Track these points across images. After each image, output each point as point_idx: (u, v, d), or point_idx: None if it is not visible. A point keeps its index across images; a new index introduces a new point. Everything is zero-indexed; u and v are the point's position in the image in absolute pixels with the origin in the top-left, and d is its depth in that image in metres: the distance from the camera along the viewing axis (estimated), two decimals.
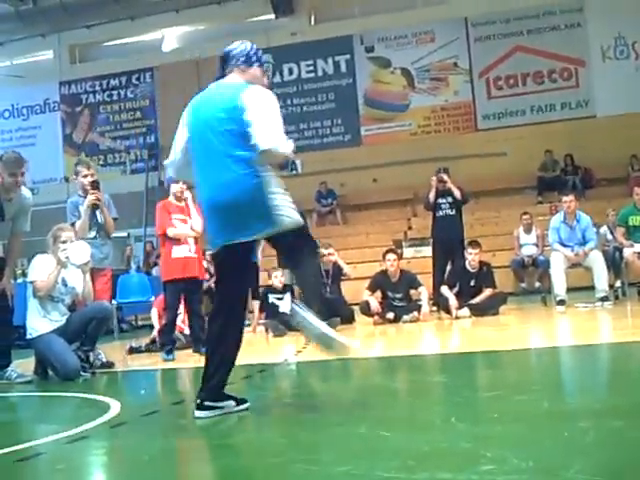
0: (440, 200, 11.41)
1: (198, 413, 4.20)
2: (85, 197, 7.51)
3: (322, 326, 4.16)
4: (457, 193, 11.37)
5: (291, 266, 4.85)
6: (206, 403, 4.21)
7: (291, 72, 20.73)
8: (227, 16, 20.33)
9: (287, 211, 4.28)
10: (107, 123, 21.76)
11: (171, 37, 21.30)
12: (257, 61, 4.62)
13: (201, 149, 4.31)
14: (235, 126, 4.17)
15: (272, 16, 19.97)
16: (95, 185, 7.47)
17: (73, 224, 7.44)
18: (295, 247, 4.30)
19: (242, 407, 4.32)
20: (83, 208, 7.44)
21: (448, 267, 11.09)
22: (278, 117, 4.22)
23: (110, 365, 7.24)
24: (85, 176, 7.60)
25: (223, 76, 4.59)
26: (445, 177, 11.38)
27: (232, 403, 4.30)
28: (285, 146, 4.19)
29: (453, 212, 11.42)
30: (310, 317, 4.15)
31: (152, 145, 21.16)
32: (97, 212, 7.51)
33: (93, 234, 7.52)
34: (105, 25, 20.32)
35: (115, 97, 21.73)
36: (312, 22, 20.50)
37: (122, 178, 20.49)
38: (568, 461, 2.83)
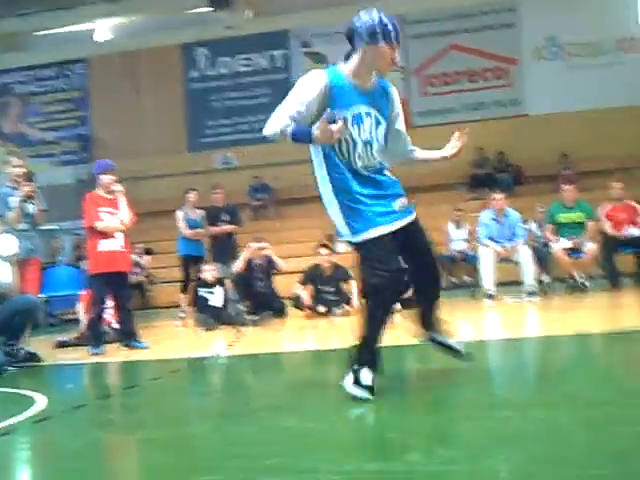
0: None
1: None
2: (15, 188, 7.37)
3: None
4: None
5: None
6: None
7: (227, 66, 20.62)
8: (162, 8, 20.03)
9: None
10: (37, 114, 21.36)
11: (105, 28, 20.93)
12: (383, 37, 4.09)
13: None
14: None
15: (208, 9, 19.77)
16: (29, 177, 7.36)
17: (1, 215, 7.31)
18: None
19: None
20: (15, 199, 7.31)
21: None
22: (289, 100, 4.17)
23: (35, 357, 7.11)
24: (15, 167, 7.46)
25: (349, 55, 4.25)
26: None
27: None
28: (270, 127, 4.16)
29: None
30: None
31: (84, 137, 20.84)
32: (28, 204, 7.39)
33: (24, 225, 7.39)
34: (36, 14, 19.89)
35: (46, 88, 21.33)
36: (249, 16, 20.36)
37: (52, 170, 20.11)
38: (494, 450, 2.87)
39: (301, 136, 4.04)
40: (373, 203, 4.13)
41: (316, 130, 3.95)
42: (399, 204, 4.24)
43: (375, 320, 4.13)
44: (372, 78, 4.23)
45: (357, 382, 4.04)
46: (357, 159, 4.16)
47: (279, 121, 4.09)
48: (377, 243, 4.07)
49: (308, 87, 4.11)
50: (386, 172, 4.38)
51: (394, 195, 4.27)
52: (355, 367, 4.09)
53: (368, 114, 4.22)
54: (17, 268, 6.98)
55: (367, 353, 4.09)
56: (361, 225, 4.08)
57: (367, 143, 4.20)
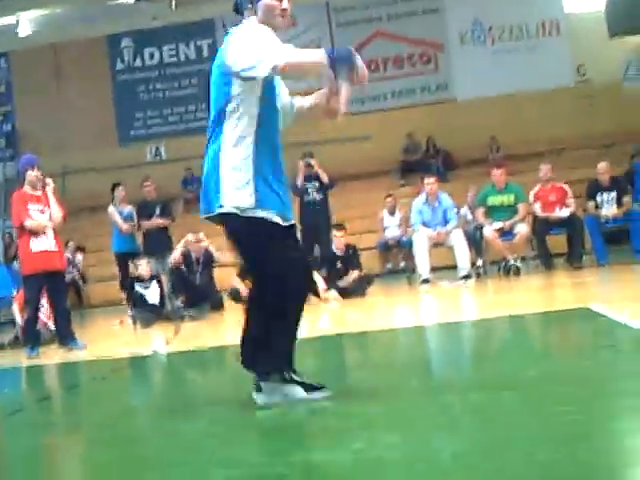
0: (307, 184, 11.50)
1: None
2: None
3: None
4: (324, 177, 11.49)
5: None
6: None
7: (152, 57, 20.37)
8: None
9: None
10: None
11: (27, 21, 20.50)
12: None
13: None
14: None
15: (132, 0, 19.51)
16: None
17: None
18: None
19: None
20: None
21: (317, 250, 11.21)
22: (265, 40, 3.63)
23: None
24: None
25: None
26: (312, 161, 11.47)
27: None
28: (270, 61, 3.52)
29: (320, 196, 11.54)
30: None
31: (9, 133, 20.39)
32: None
33: None
34: None
35: None
36: (173, 6, 20.14)
37: None
38: (436, 436, 2.90)
39: (340, 58, 3.65)
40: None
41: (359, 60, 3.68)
42: None
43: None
44: None
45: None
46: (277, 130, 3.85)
47: (278, 51, 3.55)
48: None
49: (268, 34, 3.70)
50: None
51: None
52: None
53: None
54: None
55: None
56: None
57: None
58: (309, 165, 11.46)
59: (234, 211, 3.63)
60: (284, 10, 3.87)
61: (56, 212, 7.72)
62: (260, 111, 3.71)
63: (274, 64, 3.49)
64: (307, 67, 3.80)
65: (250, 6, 3.93)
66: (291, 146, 16.05)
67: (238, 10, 4.06)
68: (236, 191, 3.63)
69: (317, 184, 11.50)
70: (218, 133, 3.70)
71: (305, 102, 4.27)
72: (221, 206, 3.67)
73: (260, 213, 3.62)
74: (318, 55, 3.65)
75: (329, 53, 3.61)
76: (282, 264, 3.68)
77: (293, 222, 3.86)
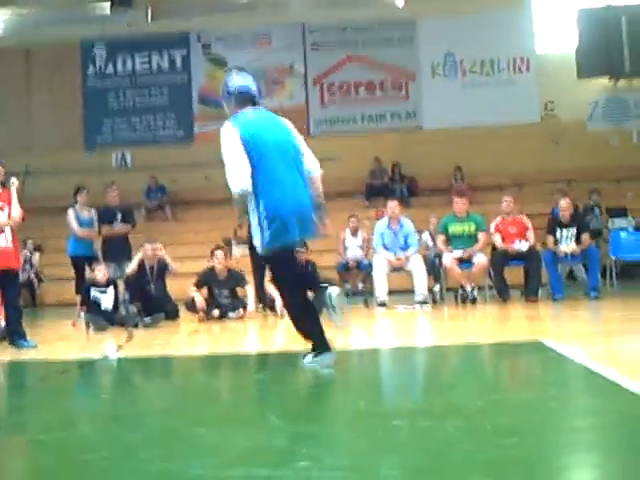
0: None
1: None
2: None
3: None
4: None
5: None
6: None
7: (125, 64, 20.30)
8: (59, 1, 19.61)
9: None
10: None
11: None
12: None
13: (282, 165, 5.25)
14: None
15: (108, 4, 19.43)
16: None
17: None
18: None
19: None
20: None
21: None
22: (232, 158, 5.13)
23: None
24: None
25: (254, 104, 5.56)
26: None
27: None
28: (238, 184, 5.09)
29: None
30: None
31: None
32: None
33: None
34: None
35: None
36: (150, 15, 20.12)
37: None
38: (381, 459, 2.91)
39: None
40: None
41: None
42: None
43: None
44: None
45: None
46: None
47: (244, 179, 5.04)
48: None
49: (235, 142, 5.10)
50: None
51: None
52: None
53: None
54: None
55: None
56: None
57: None
58: None
59: None
60: None
61: (16, 210, 7.65)
62: None
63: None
64: None
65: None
66: None
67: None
68: None
69: None
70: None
71: None
72: None
73: None
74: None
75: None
76: None
77: None
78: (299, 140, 5.59)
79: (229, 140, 5.10)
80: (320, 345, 5.17)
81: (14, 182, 7.77)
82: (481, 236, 10.96)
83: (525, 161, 17.42)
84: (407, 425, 3.46)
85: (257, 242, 5.18)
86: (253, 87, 5.50)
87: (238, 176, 5.00)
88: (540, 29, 18.96)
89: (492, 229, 11.18)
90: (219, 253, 10.42)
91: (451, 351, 6.34)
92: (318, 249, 13.15)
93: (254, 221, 5.16)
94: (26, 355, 7.08)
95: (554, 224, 11.16)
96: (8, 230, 7.60)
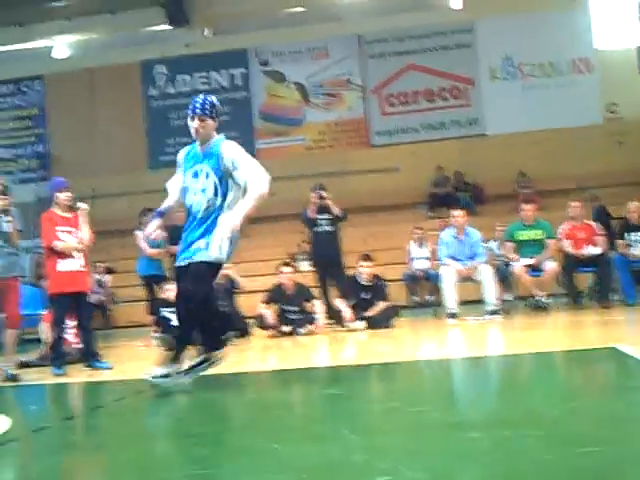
0: (319, 216, 11.51)
1: None
2: None
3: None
4: (336, 210, 11.48)
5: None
6: None
7: (185, 83, 20.56)
8: (121, 25, 19.99)
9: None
10: None
11: (62, 45, 20.81)
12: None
13: None
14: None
15: (167, 27, 19.76)
16: (4, 191, 7.26)
17: None
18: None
19: None
20: None
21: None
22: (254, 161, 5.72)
23: (16, 379, 7.17)
24: None
25: None
26: (324, 193, 11.48)
27: None
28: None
29: (331, 228, 11.52)
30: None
31: (42, 154, 20.63)
32: (3, 220, 7.28)
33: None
34: None
35: (3, 105, 21.09)
36: (207, 34, 20.38)
37: (11, 188, 19.83)
38: (459, 471, 2.87)
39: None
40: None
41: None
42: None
43: None
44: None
45: None
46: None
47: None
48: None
49: None
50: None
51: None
52: None
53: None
54: None
55: None
56: None
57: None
58: (321, 197, 11.46)
59: None
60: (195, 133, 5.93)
61: (86, 234, 7.79)
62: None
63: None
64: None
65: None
66: (322, 176, 16.23)
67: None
68: None
69: (329, 216, 11.50)
70: None
71: None
72: None
73: None
74: None
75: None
76: None
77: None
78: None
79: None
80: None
81: (84, 206, 7.91)
82: (549, 243, 10.80)
83: (590, 164, 17.10)
84: (484, 436, 3.42)
85: (217, 251, 5.44)
86: None
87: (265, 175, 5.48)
88: (600, 26, 18.64)
89: (561, 235, 11.01)
90: (286, 269, 10.45)
91: (525, 360, 6.25)
92: (384, 262, 13.14)
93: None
94: (103, 376, 7.19)
95: (624, 228, 10.95)
96: (78, 253, 7.74)
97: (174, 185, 5.92)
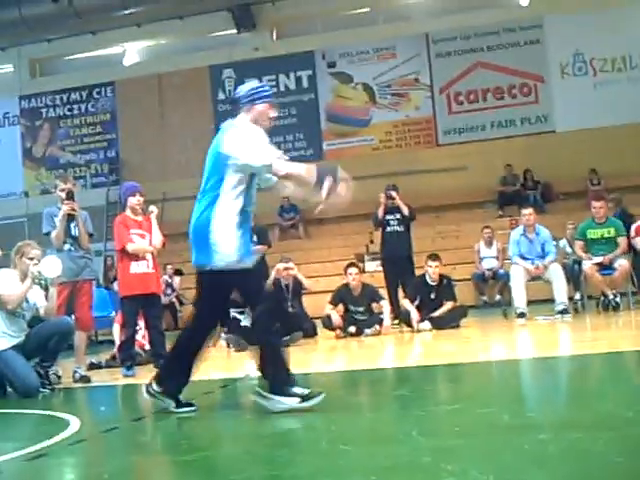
0: (389, 217, 11.49)
1: None
2: (60, 208, 7.44)
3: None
4: (405, 210, 11.44)
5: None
6: None
7: None
8: (189, 31, 20.29)
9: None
10: (67, 137, 21.56)
11: (132, 51, 21.19)
12: (259, 98, 4.87)
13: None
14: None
15: (234, 31, 19.96)
16: (70, 195, 7.40)
17: (47, 233, 7.39)
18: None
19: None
20: (58, 218, 7.36)
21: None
22: (258, 143, 4.67)
23: (84, 378, 7.30)
24: (62, 190, 7.50)
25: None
26: (394, 194, 11.45)
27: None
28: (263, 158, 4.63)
29: (401, 228, 11.49)
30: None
31: (113, 159, 21.02)
32: (72, 224, 7.43)
33: (67, 246, 7.42)
34: (66, 39, 20.14)
35: (76, 111, 21.55)
36: (274, 37, 20.53)
37: (83, 192, 20.27)
38: (528, 474, 2.85)
39: (324, 174, 4.50)
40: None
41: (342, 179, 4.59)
42: None
43: None
44: None
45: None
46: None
47: (270, 154, 4.65)
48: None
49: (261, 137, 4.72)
50: None
51: None
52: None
53: None
54: (57, 290, 7.03)
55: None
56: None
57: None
58: (391, 197, 11.44)
59: None
60: (272, 118, 4.91)
61: (157, 237, 7.91)
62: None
63: (271, 164, 4.58)
64: (296, 179, 4.69)
65: (248, 106, 4.86)
66: (389, 176, 16.21)
67: (234, 102, 5.05)
68: None
69: (399, 216, 11.46)
70: None
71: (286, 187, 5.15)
72: None
73: None
74: (309, 173, 4.51)
75: (319, 173, 4.49)
76: None
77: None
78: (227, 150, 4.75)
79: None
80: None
81: (154, 210, 8.04)
82: (621, 241, 10.59)
83: None
84: (555, 438, 3.38)
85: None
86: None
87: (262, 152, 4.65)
88: None
89: (632, 232, 10.79)
90: (352, 270, 10.45)
91: (596, 360, 6.16)
92: (451, 262, 13.06)
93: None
94: None
95: None
96: (150, 256, 7.86)
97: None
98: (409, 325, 10.26)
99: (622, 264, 10.38)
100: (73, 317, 7.48)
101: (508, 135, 18.66)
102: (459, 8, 18.97)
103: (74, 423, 4.73)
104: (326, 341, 10.07)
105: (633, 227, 10.86)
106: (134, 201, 7.91)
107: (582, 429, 3.48)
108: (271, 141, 4.71)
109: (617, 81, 18.36)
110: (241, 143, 4.68)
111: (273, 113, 4.91)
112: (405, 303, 10.47)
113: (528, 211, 10.82)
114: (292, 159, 4.74)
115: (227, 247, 4.78)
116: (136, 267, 7.76)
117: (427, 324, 10.11)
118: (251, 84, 5.03)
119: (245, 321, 10.03)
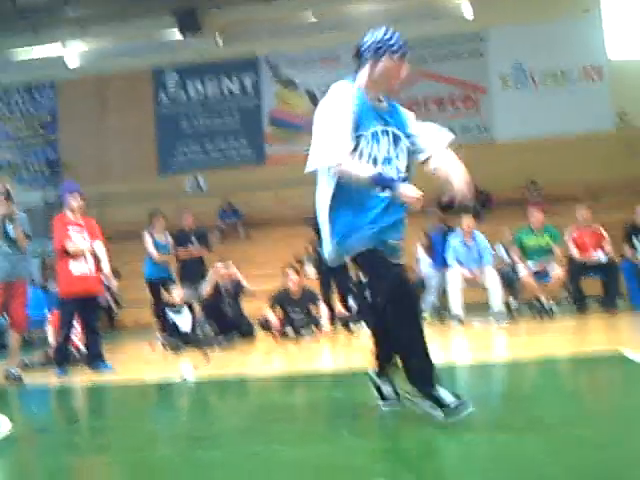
0: None
1: None
2: None
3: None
4: None
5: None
6: None
7: (197, 90, 20.65)
8: (132, 33, 20.14)
9: None
10: (6, 137, 21.22)
11: (75, 52, 20.96)
12: (386, 51, 4.15)
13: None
14: None
15: (179, 35, 19.88)
16: (6, 197, 7.29)
17: None
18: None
19: None
20: None
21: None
22: (333, 127, 4.03)
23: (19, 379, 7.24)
24: None
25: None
26: None
27: None
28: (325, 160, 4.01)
29: None
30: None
31: (52, 160, 20.75)
32: (7, 224, 7.32)
33: (4, 247, 7.31)
34: (6, 37, 19.85)
35: (15, 111, 21.23)
36: (219, 42, 20.48)
37: (19, 192, 19.90)
38: (460, 475, 2.89)
39: (383, 182, 4.04)
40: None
41: (404, 188, 4.10)
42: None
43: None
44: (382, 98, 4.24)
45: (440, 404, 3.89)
46: None
47: (337, 153, 3.98)
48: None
49: (344, 113, 4.06)
50: None
51: None
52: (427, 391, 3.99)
53: (385, 132, 4.20)
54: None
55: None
56: None
57: (386, 160, 4.18)
58: None
59: None
60: (402, 79, 4.16)
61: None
62: None
63: (330, 165, 3.96)
64: (354, 178, 3.98)
65: (372, 61, 4.16)
66: None
67: (357, 55, 4.31)
68: None
69: None
70: None
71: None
72: None
73: None
74: (366, 173, 3.95)
75: (375, 176, 3.96)
76: None
77: None
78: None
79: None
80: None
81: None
82: (556, 249, 10.78)
83: (599, 171, 17.12)
84: (487, 440, 3.45)
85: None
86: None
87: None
88: (612, 36, 18.66)
89: (568, 240, 10.99)
90: (292, 273, 10.47)
91: (529, 365, 6.25)
92: None
93: None
94: (106, 378, 7.22)
95: (630, 231, 10.93)
96: (89, 256, 7.79)
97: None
98: (347, 328, 10.37)
99: (557, 271, 10.57)
100: (6, 317, 7.38)
101: (449, 144, 18.83)
102: (403, 19, 19.13)
103: (4, 424, 4.64)
104: (264, 343, 10.07)
105: (567, 235, 11.04)
106: (74, 204, 7.86)
107: (514, 432, 3.54)
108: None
109: (556, 94, 18.74)
110: (316, 130, 4.12)
111: (404, 71, 4.17)
112: (341, 307, 10.60)
113: (469, 219, 10.98)
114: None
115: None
116: (77, 268, 7.69)
117: (363, 326, 10.19)
118: (379, 33, 4.22)
119: (181, 322, 10.01)
